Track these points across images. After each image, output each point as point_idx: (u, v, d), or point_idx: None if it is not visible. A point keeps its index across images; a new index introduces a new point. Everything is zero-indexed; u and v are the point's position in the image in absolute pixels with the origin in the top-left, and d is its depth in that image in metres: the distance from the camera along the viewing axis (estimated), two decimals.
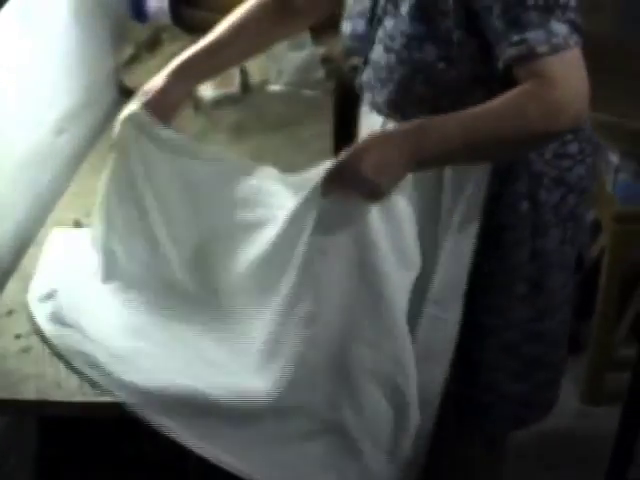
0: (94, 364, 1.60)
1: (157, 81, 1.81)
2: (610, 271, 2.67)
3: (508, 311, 1.77)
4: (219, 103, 2.58)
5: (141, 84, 2.55)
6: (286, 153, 2.31)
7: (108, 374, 1.58)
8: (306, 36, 2.68)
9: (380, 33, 1.67)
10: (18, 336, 1.72)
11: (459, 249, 1.70)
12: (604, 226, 2.78)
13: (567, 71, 1.50)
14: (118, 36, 2.72)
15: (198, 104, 2.58)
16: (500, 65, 1.53)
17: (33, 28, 2.13)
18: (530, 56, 1.48)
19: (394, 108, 1.69)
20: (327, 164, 1.56)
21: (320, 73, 2.72)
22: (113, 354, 1.62)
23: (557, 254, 1.76)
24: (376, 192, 1.52)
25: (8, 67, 1.98)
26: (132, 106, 1.79)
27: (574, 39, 1.50)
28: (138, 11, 2.86)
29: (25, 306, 1.78)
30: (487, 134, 1.53)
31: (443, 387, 1.74)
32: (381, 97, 1.71)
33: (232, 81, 2.64)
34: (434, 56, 1.60)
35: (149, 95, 1.79)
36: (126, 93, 2.66)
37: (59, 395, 1.59)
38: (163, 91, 1.79)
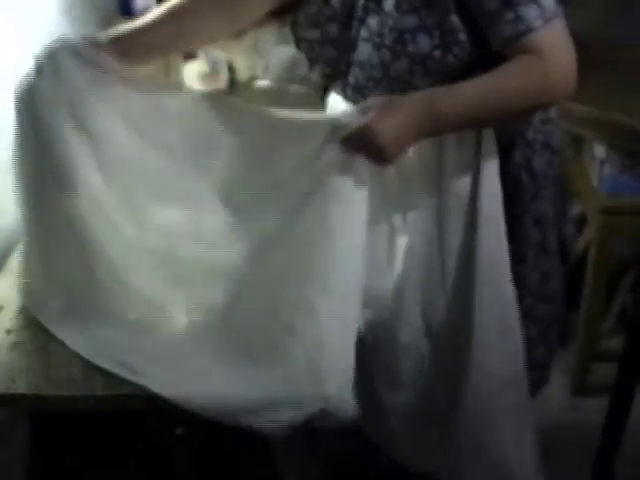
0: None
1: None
2: (596, 263, 2.69)
3: (524, 280, 1.82)
4: None
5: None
6: None
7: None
8: None
9: (364, 33, 1.67)
10: (8, 332, 1.73)
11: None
12: (590, 219, 2.79)
13: (558, 43, 1.59)
14: (105, 32, 2.72)
15: None
16: (497, 45, 1.58)
17: (21, 25, 2.13)
18: (527, 31, 1.55)
19: None
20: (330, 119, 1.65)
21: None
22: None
23: (551, 215, 1.84)
24: (385, 159, 1.59)
25: (2, 61, 1.99)
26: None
27: (560, 9, 1.58)
28: (126, 8, 2.85)
29: (15, 302, 1.79)
30: (493, 106, 1.60)
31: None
32: (374, 95, 1.69)
33: (219, 77, 2.65)
34: (429, 46, 1.61)
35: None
36: None
37: (50, 389, 1.61)
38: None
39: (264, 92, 2.68)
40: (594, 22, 2.93)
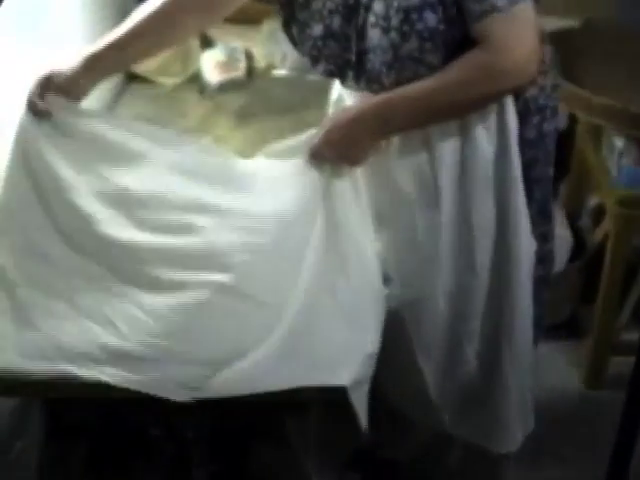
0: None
1: (64, 69, 1.78)
2: (614, 255, 2.67)
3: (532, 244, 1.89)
4: (224, 88, 2.58)
5: (146, 68, 2.57)
6: (291, 137, 2.31)
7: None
8: None
9: (371, 18, 1.69)
10: None
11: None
12: (608, 210, 2.78)
13: (515, 30, 1.63)
14: (123, 20, 2.71)
15: (203, 89, 2.58)
16: (468, 23, 1.64)
17: (40, 13, 2.13)
18: (491, 11, 1.61)
19: (398, 85, 1.72)
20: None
21: None
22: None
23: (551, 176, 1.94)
24: (352, 162, 1.75)
25: (15, 52, 1.98)
26: (33, 89, 1.75)
27: None
28: None
29: None
30: (446, 104, 1.70)
31: None
32: (389, 79, 1.72)
33: (237, 66, 2.64)
34: (435, 21, 1.65)
35: (57, 79, 1.76)
36: (131, 77, 2.66)
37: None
38: (70, 81, 1.77)
39: (282, 80, 2.67)
40: (607, 14, 2.92)
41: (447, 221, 1.81)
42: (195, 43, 2.65)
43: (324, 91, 2.42)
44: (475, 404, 1.96)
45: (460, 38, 1.67)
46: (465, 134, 1.77)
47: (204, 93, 2.58)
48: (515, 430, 1.99)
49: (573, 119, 2.90)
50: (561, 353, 2.40)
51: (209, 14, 1.92)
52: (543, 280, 1.97)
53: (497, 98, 1.74)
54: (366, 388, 1.63)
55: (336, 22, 1.74)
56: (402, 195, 1.82)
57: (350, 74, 1.79)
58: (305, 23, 1.78)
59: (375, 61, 1.72)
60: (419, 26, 1.65)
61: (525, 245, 1.85)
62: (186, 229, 1.72)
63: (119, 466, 1.94)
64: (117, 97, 2.58)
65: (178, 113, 2.51)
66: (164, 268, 1.69)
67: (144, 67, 2.51)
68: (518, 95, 1.77)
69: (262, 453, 1.98)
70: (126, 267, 1.70)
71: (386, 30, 1.67)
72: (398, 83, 1.71)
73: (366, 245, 1.78)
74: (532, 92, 1.80)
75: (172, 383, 1.57)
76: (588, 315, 2.83)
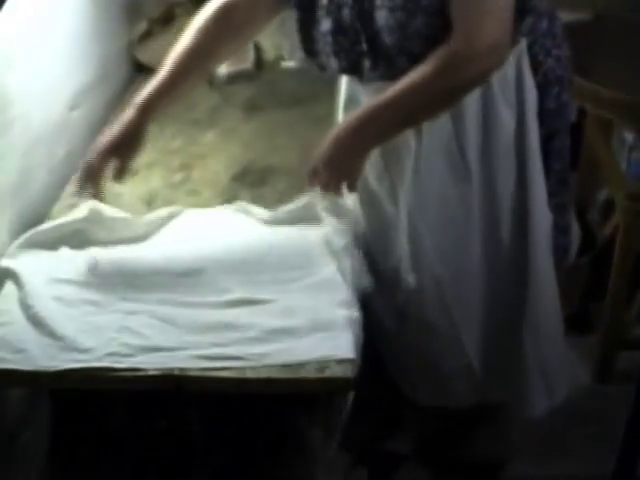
0: None
1: (121, 128, 1.88)
2: (623, 250, 2.66)
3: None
4: (233, 79, 2.58)
5: (155, 59, 2.56)
6: (300, 129, 2.30)
7: None
8: None
9: (378, 1, 1.69)
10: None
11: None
12: (617, 205, 2.77)
13: (482, 19, 1.63)
14: (132, 11, 2.71)
15: (212, 80, 2.58)
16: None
17: (47, 3, 2.13)
18: None
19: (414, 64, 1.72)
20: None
21: None
22: None
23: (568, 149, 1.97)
24: (349, 180, 1.79)
25: (22, 43, 1.98)
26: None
27: None
28: None
29: None
30: (424, 104, 1.73)
31: None
32: (402, 59, 1.73)
33: (246, 57, 2.63)
34: None
35: (115, 137, 1.87)
36: (140, 68, 2.66)
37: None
38: (131, 126, 1.87)
39: (290, 72, 2.67)
40: (616, 11, 2.91)
41: (476, 193, 1.84)
42: None
43: (333, 83, 2.42)
44: (500, 369, 1.99)
45: None
46: (487, 107, 1.79)
47: (212, 85, 2.57)
48: (536, 397, 2.00)
49: (583, 113, 2.89)
50: (570, 347, 2.36)
51: (239, 44, 2.03)
52: (563, 254, 2.01)
53: (477, 84, 1.74)
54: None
55: (345, 14, 1.74)
56: (433, 176, 1.84)
57: (366, 64, 1.78)
58: (316, 21, 1.79)
59: (383, 43, 1.72)
60: (424, 2, 1.66)
61: (542, 216, 1.88)
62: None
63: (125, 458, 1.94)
64: (126, 88, 2.58)
65: (186, 105, 2.50)
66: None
67: (152, 59, 2.51)
68: (537, 68, 1.80)
69: (267, 450, 1.98)
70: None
71: (392, 10, 1.68)
72: (415, 62, 1.70)
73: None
74: (550, 64, 1.83)
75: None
76: (597, 309, 2.82)
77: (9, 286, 1.79)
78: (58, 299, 1.74)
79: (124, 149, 1.88)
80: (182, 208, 1.99)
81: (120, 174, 1.90)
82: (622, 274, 2.69)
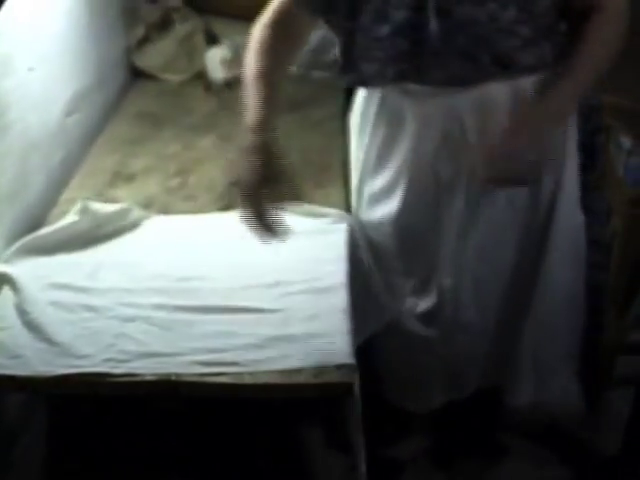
0: None
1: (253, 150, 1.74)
2: (621, 255, 2.66)
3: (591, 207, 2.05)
4: (230, 84, 2.58)
5: (151, 65, 2.57)
6: (298, 134, 2.31)
7: None
8: None
9: None
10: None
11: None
12: (615, 210, 2.76)
13: None
14: (129, 17, 2.71)
15: (209, 85, 2.58)
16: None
17: (44, 9, 2.13)
18: None
19: (505, 61, 1.70)
20: None
21: (332, 54, 2.70)
22: None
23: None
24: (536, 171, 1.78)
25: (20, 48, 1.98)
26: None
27: None
28: None
29: None
30: (592, 74, 1.78)
31: None
32: (488, 56, 1.68)
33: (243, 62, 2.63)
34: None
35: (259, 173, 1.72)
36: (137, 74, 2.66)
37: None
38: (265, 154, 1.73)
39: (288, 77, 2.65)
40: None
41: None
42: (200, 40, 2.64)
43: (331, 88, 2.42)
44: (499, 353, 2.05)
45: (554, 12, 1.71)
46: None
47: (210, 90, 2.57)
48: (523, 385, 2.03)
49: None
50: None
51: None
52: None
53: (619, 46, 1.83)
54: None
55: (402, 16, 1.68)
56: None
57: (429, 63, 1.71)
58: (365, 29, 1.72)
59: (462, 38, 1.66)
60: None
61: (569, 219, 1.94)
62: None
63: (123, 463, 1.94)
64: (123, 93, 2.58)
65: (184, 110, 2.50)
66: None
67: (149, 64, 2.51)
68: None
69: (268, 450, 1.98)
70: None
71: (482, 2, 1.63)
72: (495, 57, 1.68)
73: None
74: None
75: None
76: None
77: (6, 291, 1.79)
78: (55, 304, 1.74)
79: (272, 181, 1.72)
80: None
81: (282, 199, 1.75)
82: (621, 279, 2.68)
